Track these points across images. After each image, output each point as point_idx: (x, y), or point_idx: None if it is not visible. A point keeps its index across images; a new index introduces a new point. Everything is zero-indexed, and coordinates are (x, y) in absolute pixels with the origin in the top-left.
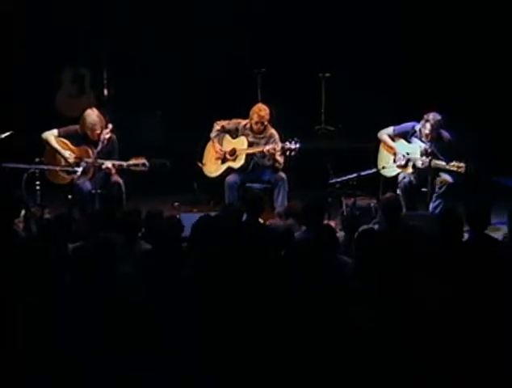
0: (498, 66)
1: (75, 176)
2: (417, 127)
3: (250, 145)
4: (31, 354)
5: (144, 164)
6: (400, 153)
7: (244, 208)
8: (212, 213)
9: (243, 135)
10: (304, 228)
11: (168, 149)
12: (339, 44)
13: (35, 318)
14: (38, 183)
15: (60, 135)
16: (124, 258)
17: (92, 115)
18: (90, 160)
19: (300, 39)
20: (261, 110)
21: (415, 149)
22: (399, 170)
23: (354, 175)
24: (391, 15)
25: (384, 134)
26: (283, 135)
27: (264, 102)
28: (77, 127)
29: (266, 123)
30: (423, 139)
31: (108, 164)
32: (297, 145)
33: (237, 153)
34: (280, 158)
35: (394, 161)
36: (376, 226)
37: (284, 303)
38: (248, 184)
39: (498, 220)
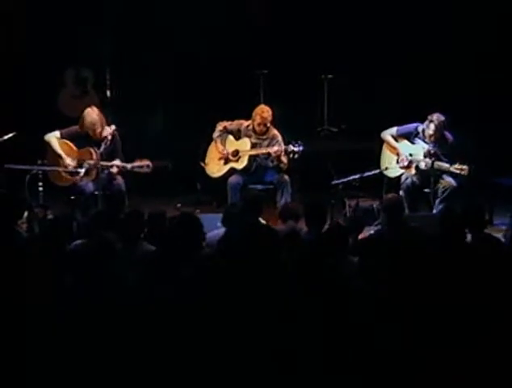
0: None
1: (78, 177)
2: (421, 128)
3: (253, 146)
4: (31, 354)
5: (148, 166)
6: (404, 153)
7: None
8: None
9: (246, 136)
10: (304, 229)
11: (171, 149)
12: (341, 45)
13: (37, 318)
14: (41, 184)
15: (62, 136)
16: (126, 259)
17: (92, 113)
18: (92, 162)
19: (302, 40)
20: (263, 111)
21: (418, 150)
22: (402, 171)
23: (357, 175)
24: (393, 16)
25: (388, 134)
26: (285, 136)
27: (267, 103)
28: (77, 127)
29: (268, 124)
30: (426, 140)
31: (113, 169)
32: (300, 148)
33: (240, 154)
34: (285, 159)
35: (397, 161)
36: (379, 227)
37: (288, 306)
38: (250, 185)
39: (501, 221)
